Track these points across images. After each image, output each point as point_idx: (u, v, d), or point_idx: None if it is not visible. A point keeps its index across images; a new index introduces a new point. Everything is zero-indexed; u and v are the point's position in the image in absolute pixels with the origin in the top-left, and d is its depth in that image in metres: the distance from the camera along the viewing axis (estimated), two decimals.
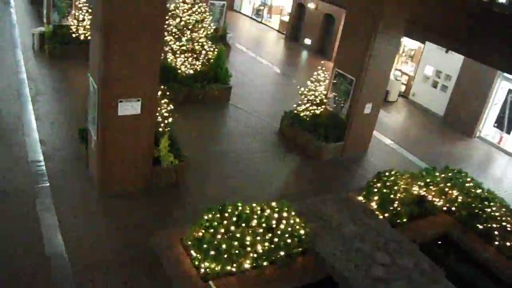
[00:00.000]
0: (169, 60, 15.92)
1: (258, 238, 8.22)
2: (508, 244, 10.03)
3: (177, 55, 15.97)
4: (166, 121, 11.10)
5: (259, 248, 8.16)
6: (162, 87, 10.88)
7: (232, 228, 8.20)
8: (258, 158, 13.27)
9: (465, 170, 12.30)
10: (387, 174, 10.97)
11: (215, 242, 7.84)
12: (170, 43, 15.88)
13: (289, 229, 8.60)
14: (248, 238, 8.13)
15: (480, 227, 10.48)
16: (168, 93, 11.30)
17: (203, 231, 8.08)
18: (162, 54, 14.99)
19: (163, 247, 8.37)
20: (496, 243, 10.19)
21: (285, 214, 8.84)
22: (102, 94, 9.24)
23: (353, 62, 13.45)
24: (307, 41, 26.54)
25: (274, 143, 14.44)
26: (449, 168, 12.09)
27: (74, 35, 17.90)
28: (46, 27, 18.30)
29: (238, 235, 8.09)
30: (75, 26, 17.93)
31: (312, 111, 14.42)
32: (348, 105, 13.72)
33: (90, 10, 17.07)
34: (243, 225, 8.34)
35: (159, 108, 10.79)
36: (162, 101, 11.05)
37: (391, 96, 20.41)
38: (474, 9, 10.05)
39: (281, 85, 20.55)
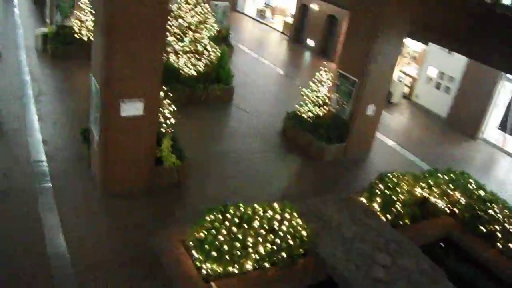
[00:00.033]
0: (171, 60, 15.93)
1: (260, 239, 8.21)
2: (511, 246, 9.99)
3: (180, 56, 15.98)
4: (168, 122, 11.11)
5: (261, 249, 8.15)
6: (165, 87, 10.89)
7: (234, 229, 8.18)
8: (260, 158, 13.25)
9: (468, 171, 12.26)
10: (389, 175, 10.93)
11: (217, 243, 7.83)
12: (172, 43, 15.90)
13: (291, 230, 8.59)
14: (250, 239, 8.11)
15: (483, 229, 10.44)
16: (170, 93, 11.31)
17: (204, 232, 8.07)
18: (165, 55, 15.01)
19: (164, 247, 8.36)
20: (499, 245, 10.15)
21: (287, 215, 8.82)
22: (104, 94, 9.25)
23: (355, 63, 13.44)
24: (310, 42, 26.53)
25: (276, 144, 14.43)
26: (452, 169, 12.06)
27: (76, 36, 17.93)
28: (49, 27, 18.35)
29: (240, 236, 8.08)
30: (78, 27, 17.97)
31: (314, 112, 14.42)
32: (351, 106, 13.71)
33: (92, 11, 17.11)
34: (245, 226, 8.33)
35: (161, 109, 10.80)
36: (165, 102, 11.06)
37: (394, 98, 20.37)
38: (474, 9, 10.03)
39: (283, 86, 20.56)
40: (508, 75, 17.15)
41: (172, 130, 11.18)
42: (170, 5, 14.33)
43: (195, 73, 16.14)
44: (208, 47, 16.43)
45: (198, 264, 7.87)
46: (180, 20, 15.84)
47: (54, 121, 12.92)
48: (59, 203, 9.63)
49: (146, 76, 9.50)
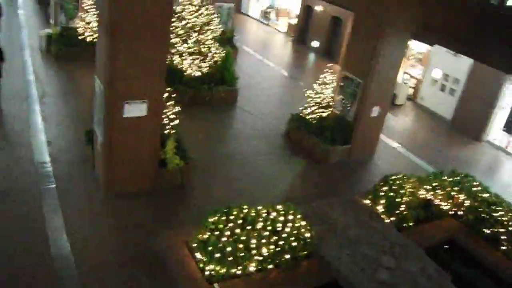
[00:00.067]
0: (175, 62, 15.93)
1: (264, 241, 8.19)
2: None
3: (184, 57, 15.98)
4: (172, 123, 11.10)
5: (265, 251, 8.13)
6: (169, 88, 10.88)
7: (238, 230, 8.16)
8: (265, 160, 13.23)
9: (473, 174, 12.20)
10: (393, 177, 10.89)
11: (220, 245, 7.81)
12: (176, 45, 15.89)
13: (295, 232, 8.56)
14: (254, 241, 8.09)
15: (487, 231, 10.39)
16: (174, 95, 11.30)
17: (208, 233, 8.06)
18: (169, 56, 15.01)
19: (167, 248, 8.35)
20: (503, 247, 10.10)
21: (290, 217, 8.79)
22: (108, 93, 9.26)
23: (360, 65, 13.41)
24: (315, 44, 26.50)
25: (280, 146, 14.40)
26: (456, 172, 12.01)
27: (80, 37, 17.93)
28: (53, 29, 18.39)
29: (243, 237, 8.06)
30: (82, 28, 17.98)
31: (318, 114, 14.38)
32: (355, 108, 13.68)
33: (97, 13, 17.13)
34: (249, 227, 8.31)
35: (165, 110, 10.79)
36: (169, 103, 11.05)
37: (399, 100, 20.32)
38: (474, 9, 9.98)
39: (288, 88, 20.53)
40: None
41: (175, 131, 11.16)
42: (174, 6, 14.33)
43: (199, 74, 16.10)
44: (213, 49, 16.42)
45: (202, 266, 7.86)
46: (184, 22, 15.85)
47: (58, 123, 12.93)
48: (63, 205, 9.62)
49: (150, 77, 9.51)
